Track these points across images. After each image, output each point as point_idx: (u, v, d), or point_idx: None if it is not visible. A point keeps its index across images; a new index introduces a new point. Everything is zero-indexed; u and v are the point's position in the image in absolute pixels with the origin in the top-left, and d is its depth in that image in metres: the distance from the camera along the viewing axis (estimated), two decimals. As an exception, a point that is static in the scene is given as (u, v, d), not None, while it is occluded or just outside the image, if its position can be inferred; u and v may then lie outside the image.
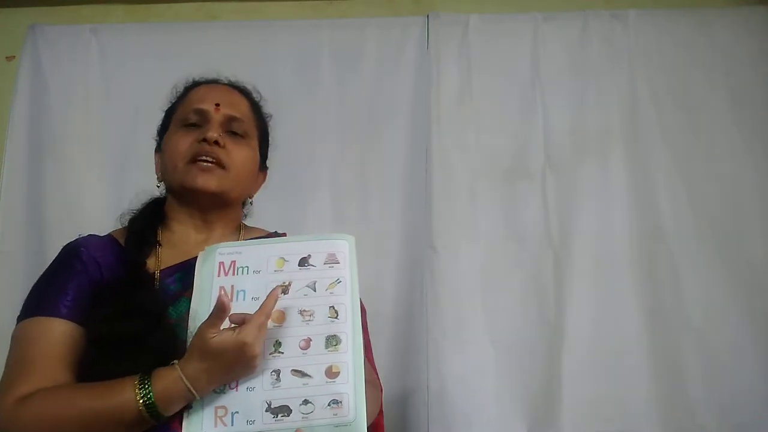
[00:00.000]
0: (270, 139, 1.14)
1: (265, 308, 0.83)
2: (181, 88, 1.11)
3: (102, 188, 1.57)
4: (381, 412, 1.04)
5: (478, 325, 1.49)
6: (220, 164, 1.00)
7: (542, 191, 1.56)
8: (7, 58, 1.69)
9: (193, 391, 0.81)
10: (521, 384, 1.47)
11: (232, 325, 0.82)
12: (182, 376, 0.81)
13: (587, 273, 1.51)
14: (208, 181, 0.98)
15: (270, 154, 1.13)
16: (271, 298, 0.84)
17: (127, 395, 0.81)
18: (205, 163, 0.99)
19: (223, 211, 1.05)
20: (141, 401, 0.80)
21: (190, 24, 1.71)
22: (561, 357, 1.46)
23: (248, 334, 0.80)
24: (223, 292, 0.85)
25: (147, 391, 0.81)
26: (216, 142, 0.99)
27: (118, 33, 1.66)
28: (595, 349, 1.47)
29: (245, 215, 1.12)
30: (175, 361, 0.82)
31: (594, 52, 1.62)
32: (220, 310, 0.81)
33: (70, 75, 1.61)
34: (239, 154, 1.02)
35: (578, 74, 1.62)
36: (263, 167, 1.13)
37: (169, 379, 0.81)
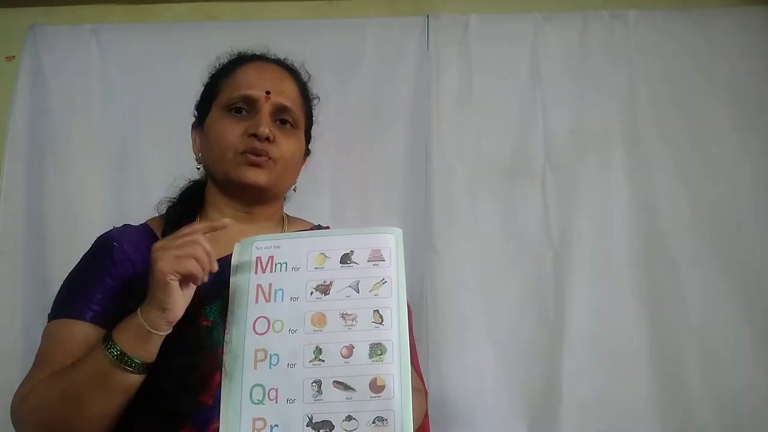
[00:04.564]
0: (313, 119, 1.11)
1: (199, 226, 0.83)
2: (225, 61, 1.07)
3: (102, 188, 1.56)
4: (426, 415, 1.02)
5: (478, 325, 1.49)
6: (269, 159, 0.97)
7: (542, 191, 1.56)
8: (7, 58, 1.69)
9: (139, 314, 0.79)
10: (521, 384, 1.47)
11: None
12: (138, 308, 0.80)
13: (587, 273, 1.51)
14: (258, 175, 0.96)
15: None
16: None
17: (97, 353, 0.79)
18: (255, 157, 0.95)
19: (267, 203, 1.02)
20: (108, 351, 0.78)
21: (190, 24, 1.70)
22: (561, 357, 1.46)
23: (161, 240, 0.81)
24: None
25: (111, 338, 0.79)
26: (267, 138, 0.96)
27: (118, 33, 1.66)
28: (595, 349, 1.46)
29: (286, 200, 1.10)
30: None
31: (594, 52, 1.62)
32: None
33: (70, 75, 1.61)
34: (288, 147, 0.99)
35: (578, 74, 1.62)
36: (306, 152, 1.10)
37: (129, 317, 0.80)
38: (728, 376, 1.45)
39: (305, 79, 1.11)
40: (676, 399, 1.44)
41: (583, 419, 1.43)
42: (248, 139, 0.96)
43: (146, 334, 0.79)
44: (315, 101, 1.13)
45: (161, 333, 0.80)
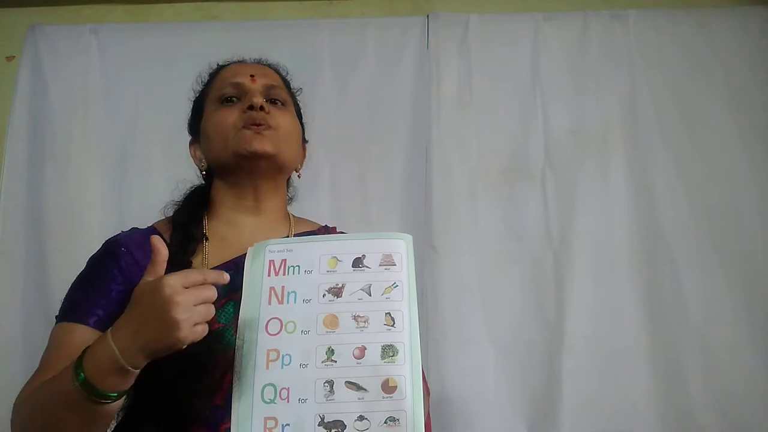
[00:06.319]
0: (302, 112, 1.13)
1: (210, 272, 0.78)
2: (206, 76, 1.11)
3: (102, 188, 1.57)
4: (428, 415, 1.01)
5: (478, 325, 1.49)
6: (269, 127, 0.99)
7: (542, 191, 1.56)
8: (7, 58, 1.69)
9: (115, 348, 0.72)
10: (521, 384, 1.47)
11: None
12: (109, 333, 0.74)
13: (587, 273, 1.51)
14: (263, 143, 0.97)
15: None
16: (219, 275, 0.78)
17: (67, 379, 0.74)
18: (256, 126, 0.97)
19: (273, 182, 1.03)
20: (76, 380, 0.73)
21: (190, 24, 1.71)
22: (561, 357, 1.46)
23: (171, 275, 0.73)
24: (158, 239, 0.78)
25: (81, 365, 0.74)
26: (261, 108, 0.98)
27: (118, 33, 1.66)
28: (595, 349, 1.47)
29: (290, 199, 1.11)
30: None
31: (594, 52, 1.63)
32: (154, 255, 0.76)
33: (70, 75, 1.61)
34: (284, 119, 1.02)
35: (578, 74, 1.62)
36: (303, 139, 1.12)
37: (98, 343, 0.74)
38: (728, 376, 1.45)
39: (284, 73, 1.15)
40: (676, 399, 1.45)
41: (583, 419, 1.43)
42: (245, 115, 0.99)
43: (123, 370, 0.73)
44: (298, 92, 1.15)
45: (140, 369, 0.74)
